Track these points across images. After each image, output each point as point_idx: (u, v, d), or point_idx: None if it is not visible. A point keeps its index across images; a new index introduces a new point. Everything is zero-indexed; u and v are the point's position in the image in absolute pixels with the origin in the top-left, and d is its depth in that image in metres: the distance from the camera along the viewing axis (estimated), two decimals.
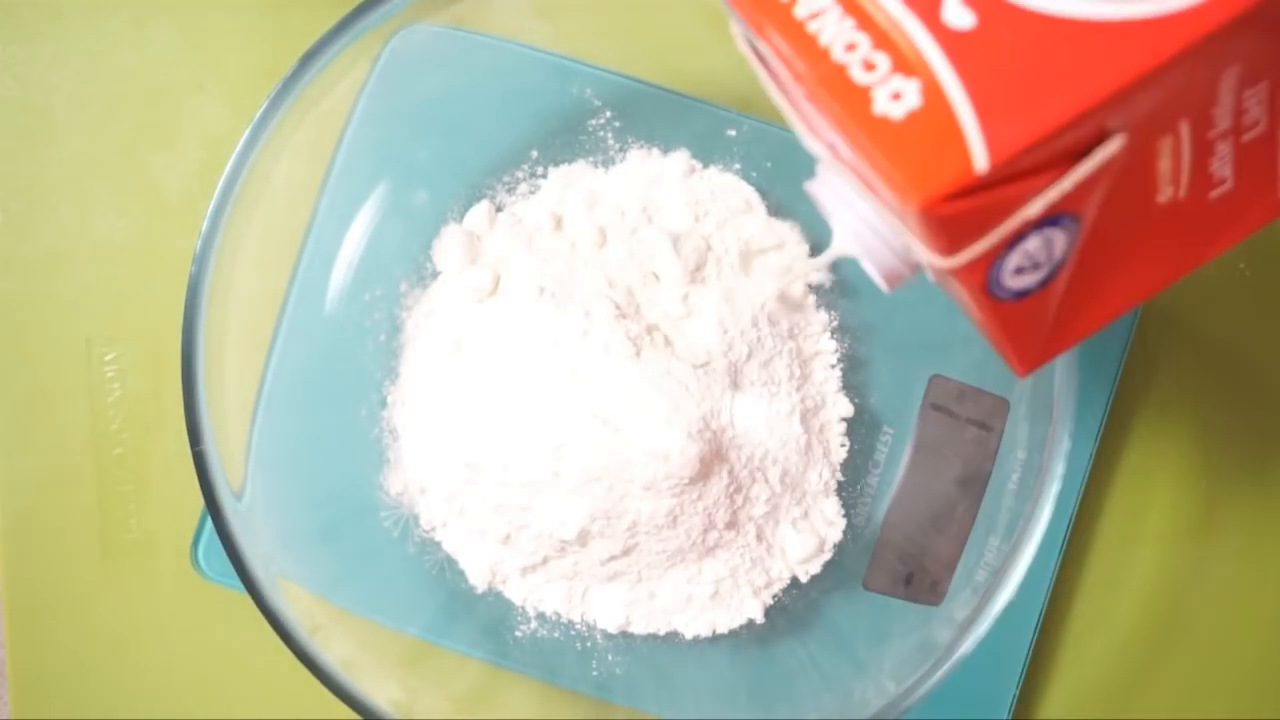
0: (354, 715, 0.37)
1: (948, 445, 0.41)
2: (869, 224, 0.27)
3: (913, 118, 0.22)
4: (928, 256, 0.24)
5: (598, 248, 0.41)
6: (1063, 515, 0.43)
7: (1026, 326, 0.26)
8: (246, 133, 0.37)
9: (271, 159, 0.37)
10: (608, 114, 0.42)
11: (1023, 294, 0.25)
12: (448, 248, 0.41)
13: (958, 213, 0.22)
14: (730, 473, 0.38)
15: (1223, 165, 0.25)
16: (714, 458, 0.38)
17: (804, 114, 0.26)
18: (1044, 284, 0.25)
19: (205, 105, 0.45)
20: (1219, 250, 0.27)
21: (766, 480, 0.39)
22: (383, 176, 0.41)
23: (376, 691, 0.37)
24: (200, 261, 0.37)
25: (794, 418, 0.40)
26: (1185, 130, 0.24)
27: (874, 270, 0.28)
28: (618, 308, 0.39)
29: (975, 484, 0.41)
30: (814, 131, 0.26)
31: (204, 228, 0.37)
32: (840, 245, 0.31)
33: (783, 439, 0.39)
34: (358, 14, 0.37)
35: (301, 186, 0.41)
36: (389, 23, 0.38)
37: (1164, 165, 0.24)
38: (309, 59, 0.37)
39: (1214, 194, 0.26)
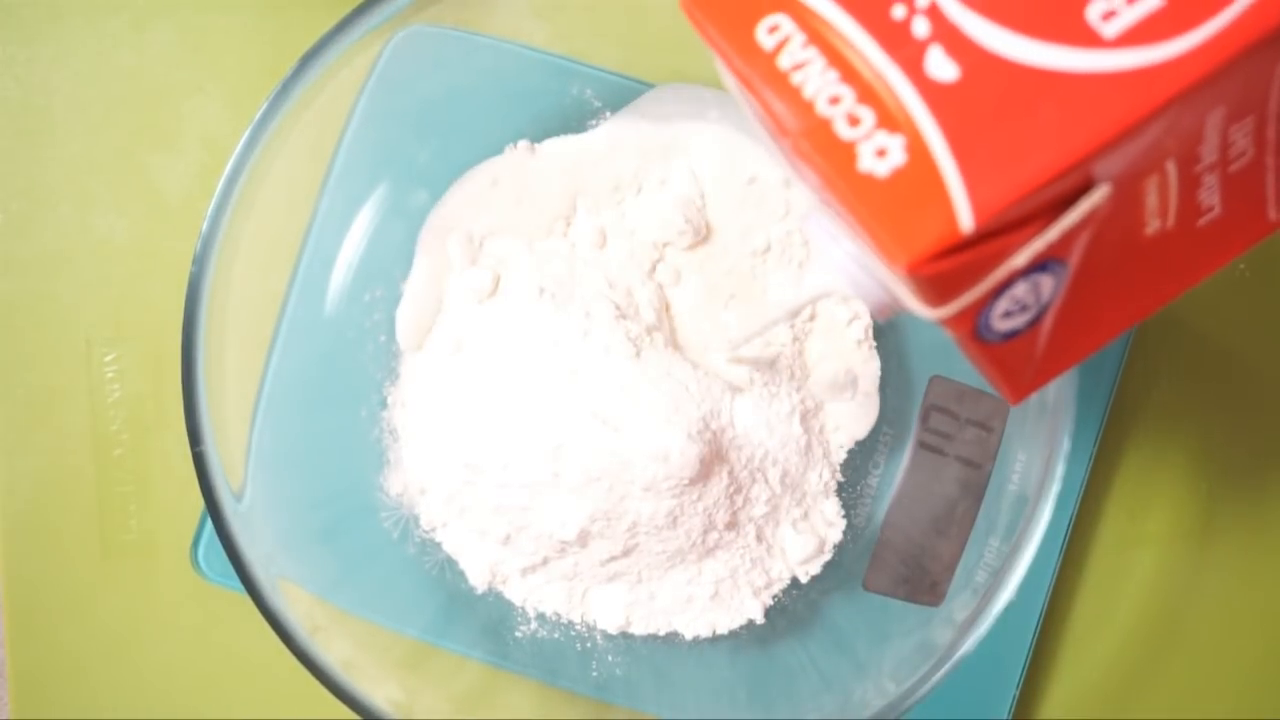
0: (354, 716, 0.37)
1: (948, 445, 0.41)
2: (859, 261, 0.27)
3: (897, 175, 0.22)
4: (916, 307, 0.24)
5: (598, 248, 0.41)
6: (1063, 515, 0.43)
7: (1016, 362, 0.26)
8: (246, 133, 0.37)
9: (271, 159, 0.37)
10: (607, 114, 0.42)
11: (1011, 335, 0.25)
12: (448, 248, 0.41)
13: (944, 271, 0.22)
14: (730, 473, 0.38)
15: (1210, 195, 0.25)
16: (714, 458, 0.38)
17: (790, 157, 0.26)
18: (1032, 324, 0.25)
19: (205, 106, 0.45)
20: (1208, 273, 0.27)
21: (766, 481, 0.39)
22: (383, 176, 0.41)
23: (376, 692, 0.37)
24: (200, 261, 0.37)
25: (794, 418, 0.40)
26: (1172, 168, 0.24)
27: (864, 305, 0.28)
28: (618, 308, 0.39)
29: (975, 484, 0.41)
30: (803, 175, 0.26)
31: (204, 228, 0.37)
32: (810, 289, 0.31)
33: (783, 439, 0.39)
34: (358, 14, 0.37)
35: (301, 187, 0.41)
36: (389, 23, 0.38)
37: (1151, 202, 0.24)
38: (309, 59, 0.37)
39: (1202, 221, 0.25)
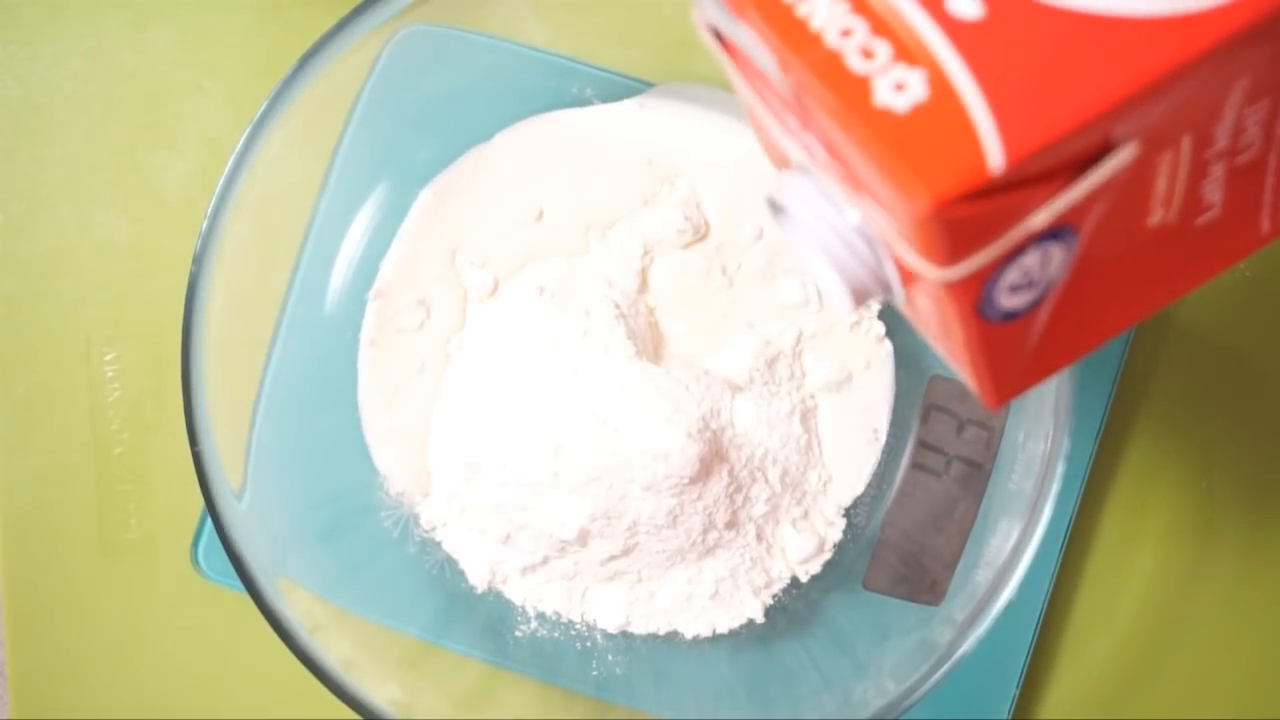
0: (354, 715, 0.37)
1: (948, 445, 0.41)
2: (839, 234, 0.25)
3: (919, 111, 0.21)
4: (924, 268, 0.22)
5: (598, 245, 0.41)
6: (1063, 515, 0.43)
7: (1008, 353, 0.25)
8: (246, 133, 0.37)
9: (272, 159, 0.37)
10: None
11: (1011, 315, 0.24)
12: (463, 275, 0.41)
13: (967, 217, 0.21)
14: (730, 472, 0.38)
15: (1214, 189, 0.24)
16: (714, 457, 0.38)
17: (776, 110, 0.24)
18: (1033, 306, 0.24)
19: (205, 105, 0.45)
20: (1197, 282, 0.26)
21: (766, 480, 0.39)
22: (383, 176, 0.41)
23: (376, 691, 0.37)
24: (200, 261, 0.37)
25: (794, 417, 0.40)
26: (1186, 145, 0.23)
27: (839, 285, 0.25)
28: (617, 307, 0.39)
29: (975, 483, 0.41)
30: (787, 130, 0.24)
31: (204, 228, 0.37)
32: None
33: (783, 439, 0.39)
34: (358, 14, 0.37)
35: (301, 187, 0.41)
36: (389, 23, 0.38)
37: (1160, 184, 0.23)
38: (309, 59, 0.37)
39: (1200, 220, 0.25)
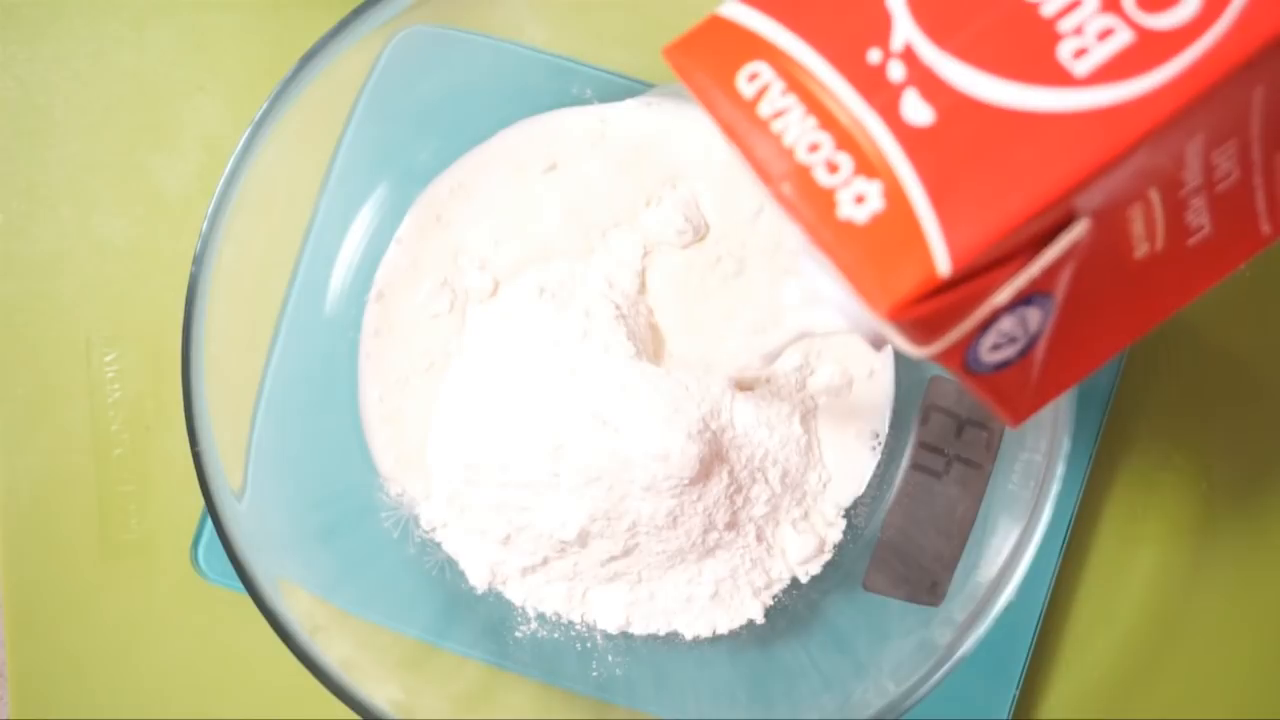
0: (354, 715, 0.37)
1: (948, 445, 0.41)
2: (853, 295, 0.27)
3: (876, 222, 0.22)
4: (905, 347, 0.24)
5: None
6: (1063, 515, 0.43)
7: (1012, 389, 0.26)
8: (246, 133, 0.37)
9: (271, 159, 0.37)
10: None
11: (1002, 366, 0.25)
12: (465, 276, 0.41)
13: (925, 314, 0.22)
14: (730, 473, 0.38)
15: (1199, 216, 0.25)
16: (714, 458, 0.38)
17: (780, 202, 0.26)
18: (1023, 353, 0.25)
19: (205, 105, 0.45)
20: (1204, 288, 0.27)
21: (766, 481, 0.39)
22: (383, 177, 0.41)
23: (376, 692, 0.37)
24: (200, 261, 0.37)
25: (794, 418, 0.40)
26: (1155, 195, 0.24)
27: (860, 339, 0.28)
28: (617, 308, 0.39)
29: (975, 484, 0.41)
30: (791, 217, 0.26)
31: (204, 228, 0.37)
32: (790, 329, 0.31)
33: (783, 439, 0.39)
34: (358, 14, 0.37)
35: (301, 186, 0.41)
36: (389, 23, 0.38)
37: (1137, 228, 0.24)
38: (309, 59, 0.37)
39: (1192, 240, 0.25)
